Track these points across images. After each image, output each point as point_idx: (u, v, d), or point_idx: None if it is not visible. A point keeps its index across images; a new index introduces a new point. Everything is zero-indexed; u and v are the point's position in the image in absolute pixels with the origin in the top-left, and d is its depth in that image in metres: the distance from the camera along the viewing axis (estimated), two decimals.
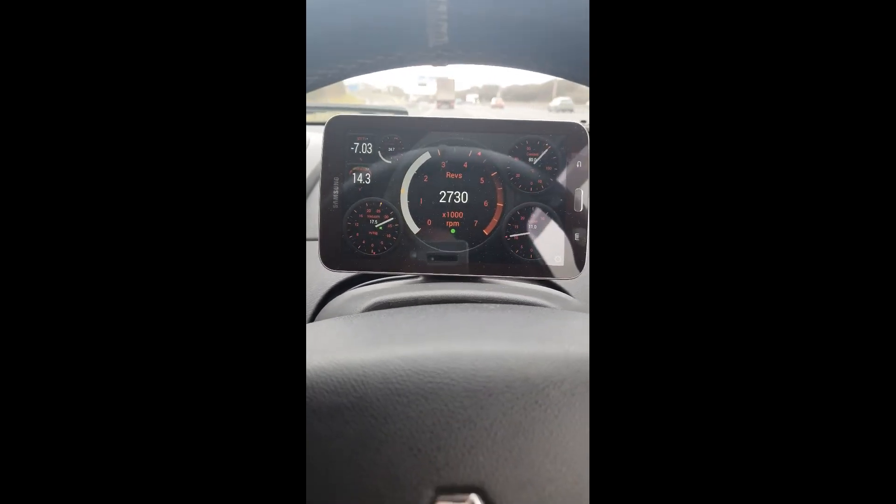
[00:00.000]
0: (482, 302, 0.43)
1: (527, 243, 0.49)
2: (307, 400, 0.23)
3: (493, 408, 0.23)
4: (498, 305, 0.35)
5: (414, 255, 0.49)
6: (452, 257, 0.49)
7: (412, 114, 1.36)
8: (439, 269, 0.49)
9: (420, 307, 0.35)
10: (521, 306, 0.36)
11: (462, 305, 0.35)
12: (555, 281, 0.52)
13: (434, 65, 0.29)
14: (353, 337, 0.29)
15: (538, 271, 0.49)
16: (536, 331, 0.31)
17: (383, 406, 0.23)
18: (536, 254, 0.49)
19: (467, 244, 0.49)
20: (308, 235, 0.67)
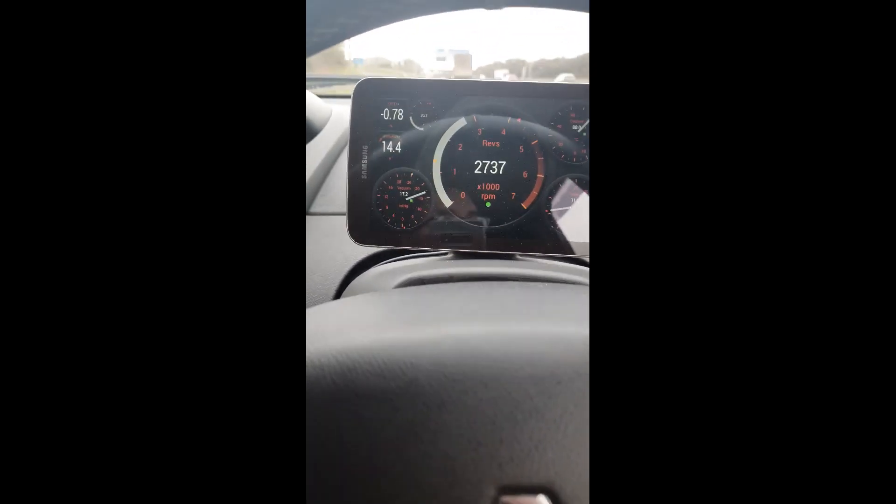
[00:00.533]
0: (526, 280, 0.39)
1: (568, 219, 0.46)
2: (349, 381, 0.20)
3: (562, 397, 0.20)
4: (547, 284, 0.32)
5: (447, 230, 0.46)
6: (499, 220, 0.45)
7: None
8: (476, 242, 0.46)
9: (462, 284, 0.32)
10: (572, 286, 0.32)
11: (507, 283, 0.32)
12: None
13: (488, 7, 0.25)
14: (395, 313, 0.26)
15: (580, 248, 0.46)
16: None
17: (437, 392, 0.20)
18: (578, 231, 0.46)
19: (500, 217, 0.46)
20: (333, 210, 0.64)
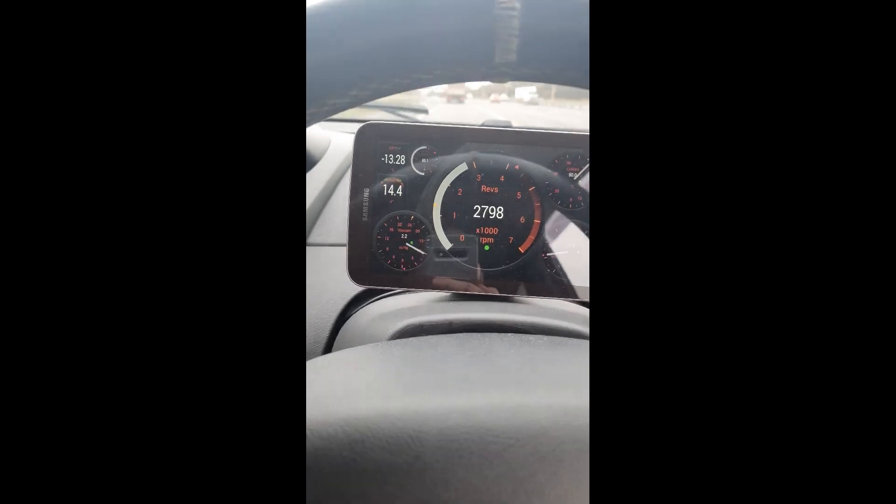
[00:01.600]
0: (522, 329, 0.40)
1: (565, 263, 0.47)
2: (357, 454, 0.21)
3: (565, 475, 0.20)
4: (547, 339, 0.33)
5: (446, 272, 0.47)
6: (497, 264, 0.46)
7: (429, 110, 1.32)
8: (474, 284, 0.47)
9: (461, 337, 0.33)
10: (574, 340, 0.33)
11: (508, 338, 0.33)
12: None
13: (494, 81, 0.26)
14: (397, 375, 0.27)
15: (576, 293, 0.47)
16: (581, 373, 0.28)
17: (443, 469, 0.20)
18: (575, 274, 0.47)
19: (498, 260, 0.47)
20: (331, 241, 0.65)
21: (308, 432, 0.21)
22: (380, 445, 0.21)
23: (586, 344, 0.33)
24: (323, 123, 0.89)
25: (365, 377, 0.27)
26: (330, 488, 0.20)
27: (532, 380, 0.26)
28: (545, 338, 0.33)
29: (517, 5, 0.22)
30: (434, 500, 0.20)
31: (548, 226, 0.47)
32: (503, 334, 0.34)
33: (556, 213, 0.47)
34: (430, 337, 0.35)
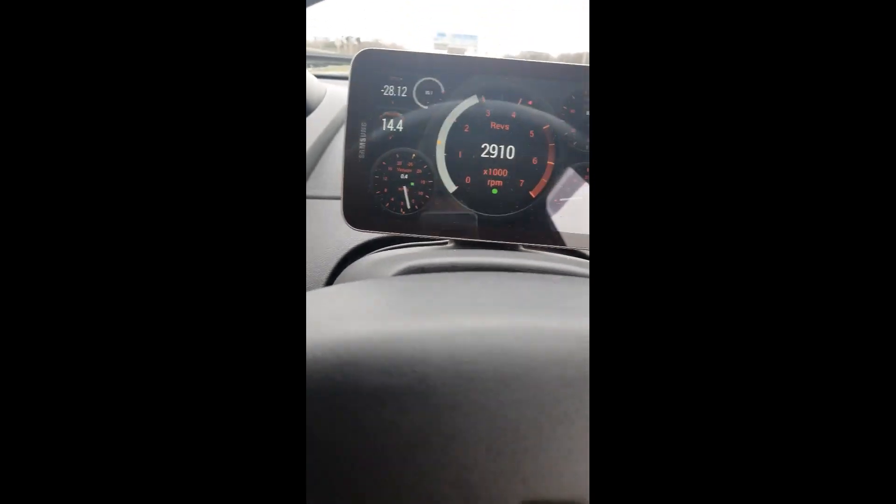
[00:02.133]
0: (536, 271, 0.37)
1: (579, 209, 0.43)
2: (349, 378, 0.17)
3: (585, 405, 0.17)
4: (562, 277, 0.30)
5: (449, 217, 0.43)
6: (505, 208, 0.43)
7: None
8: (479, 232, 0.43)
9: (469, 273, 0.30)
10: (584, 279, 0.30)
11: (519, 274, 0.29)
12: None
13: None
14: (399, 301, 0.24)
15: (590, 243, 0.43)
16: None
17: (452, 392, 0.17)
18: (589, 223, 0.43)
19: (507, 205, 0.43)
20: (326, 193, 0.61)
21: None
22: (377, 367, 0.17)
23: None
24: (320, 76, 0.84)
25: (361, 304, 0.24)
26: (321, 414, 0.17)
27: (551, 306, 0.23)
28: (558, 277, 0.30)
29: None
30: (440, 426, 0.16)
31: (562, 169, 0.43)
32: (514, 273, 0.31)
33: (572, 156, 0.43)
34: (433, 274, 0.31)
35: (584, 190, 0.43)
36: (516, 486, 0.16)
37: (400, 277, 0.29)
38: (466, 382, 0.17)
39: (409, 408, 0.17)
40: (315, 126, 0.68)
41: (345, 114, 0.70)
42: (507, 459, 0.16)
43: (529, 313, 0.21)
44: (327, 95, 0.73)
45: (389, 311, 0.22)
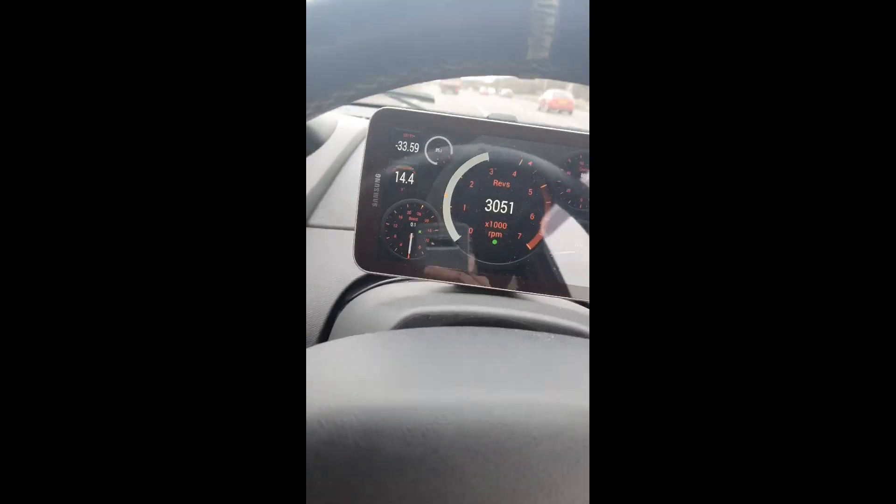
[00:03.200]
0: (527, 325, 0.40)
1: (571, 263, 0.47)
2: (371, 445, 0.21)
3: (581, 475, 0.21)
4: (554, 337, 0.33)
5: (452, 263, 0.47)
6: (504, 258, 0.47)
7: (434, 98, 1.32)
8: (479, 278, 0.47)
9: (468, 331, 0.33)
10: (581, 339, 0.34)
11: (515, 334, 0.33)
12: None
13: (521, 77, 0.26)
14: (410, 367, 0.27)
15: (580, 292, 0.47)
16: (561, 370, 0.28)
17: (459, 464, 0.20)
18: (580, 275, 0.47)
19: (504, 255, 0.47)
20: (333, 223, 0.64)
21: (318, 420, 0.21)
22: (397, 436, 0.21)
23: (564, 342, 0.33)
24: None
25: (376, 366, 0.27)
26: (341, 477, 0.20)
27: (545, 378, 0.26)
28: (552, 336, 0.34)
29: (555, 3, 0.22)
30: (450, 494, 0.20)
31: (556, 225, 0.47)
32: (511, 329, 0.35)
33: (566, 213, 0.47)
34: (438, 328, 0.35)
35: (576, 244, 0.47)
36: None
37: (406, 333, 0.33)
38: (472, 455, 0.21)
39: (422, 477, 0.20)
40: (325, 157, 0.72)
41: (353, 144, 0.73)
42: None
43: (527, 386, 0.25)
44: (337, 128, 0.76)
45: (402, 378, 0.26)
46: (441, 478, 0.20)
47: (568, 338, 0.33)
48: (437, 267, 0.47)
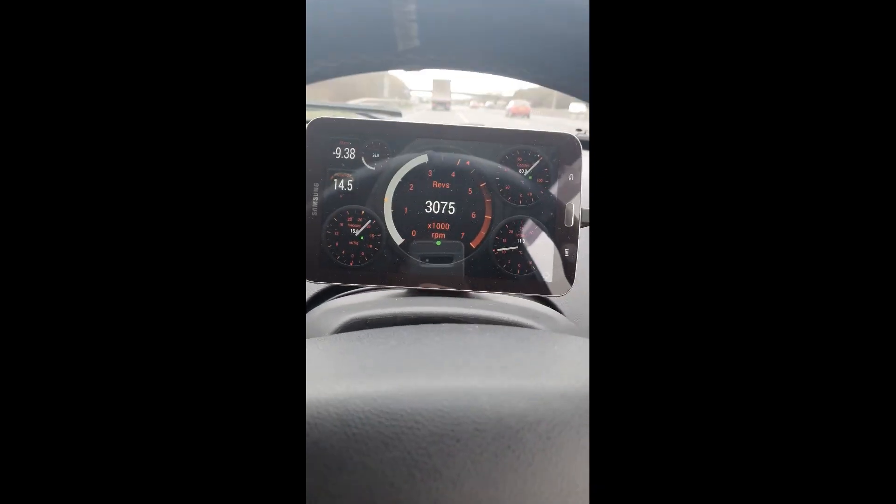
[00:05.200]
0: (464, 321, 0.40)
1: (515, 258, 0.47)
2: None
3: (460, 455, 0.20)
4: (479, 327, 0.33)
5: (397, 267, 0.47)
6: (448, 259, 0.47)
7: (407, 116, 1.33)
8: (425, 280, 0.47)
9: (393, 331, 0.33)
10: (505, 327, 0.33)
11: (440, 328, 0.33)
12: (549, 298, 0.49)
13: (406, 69, 0.26)
14: (314, 368, 0.27)
15: (527, 287, 0.47)
16: (516, 359, 0.28)
17: (339, 454, 0.20)
18: (525, 269, 0.47)
19: (456, 255, 0.47)
20: None
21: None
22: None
23: (517, 331, 0.33)
24: None
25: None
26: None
27: (443, 365, 0.26)
28: (477, 326, 0.33)
29: None
30: (328, 486, 0.20)
31: (499, 221, 0.47)
32: (437, 325, 0.34)
33: (507, 209, 0.47)
34: (363, 332, 0.35)
35: (520, 240, 0.47)
36: None
37: (333, 338, 0.33)
38: (353, 444, 0.20)
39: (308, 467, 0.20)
40: None
41: None
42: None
43: (418, 373, 0.25)
44: None
45: (335, 374, 0.25)
46: (320, 468, 0.20)
47: (497, 327, 0.33)
48: (381, 272, 0.47)
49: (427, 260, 0.47)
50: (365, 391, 0.22)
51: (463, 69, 0.25)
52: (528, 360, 0.29)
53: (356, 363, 0.27)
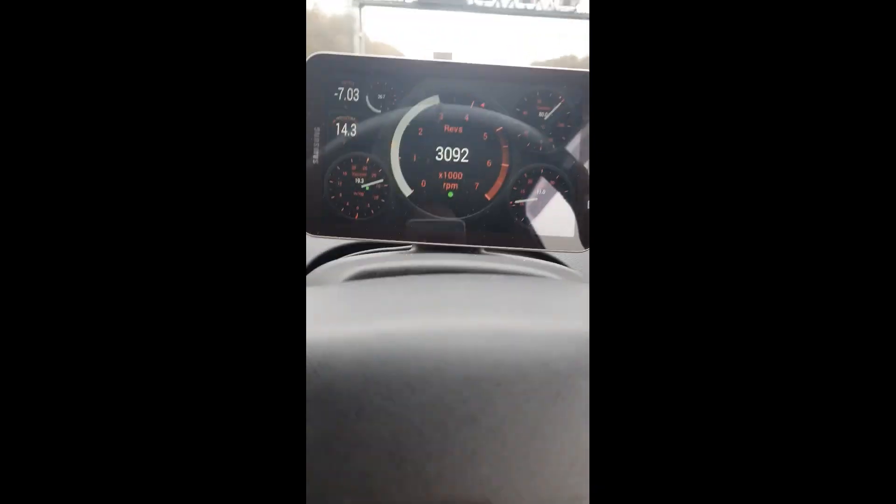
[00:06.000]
0: (481, 273, 0.37)
1: (533, 211, 0.43)
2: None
3: (502, 401, 0.17)
4: (499, 276, 0.30)
5: (405, 221, 0.43)
6: (461, 212, 0.43)
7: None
8: (436, 235, 0.43)
9: (410, 277, 0.29)
10: (526, 277, 0.30)
11: (458, 276, 0.29)
12: (551, 253, 0.46)
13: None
14: (323, 310, 0.23)
15: (544, 243, 0.43)
16: (551, 305, 0.25)
17: (356, 398, 0.17)
18: (543, 224, 0.43)
19: (462, 207, 0.43)
20: None
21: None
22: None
23: (545, 281, 0.29)
24: None
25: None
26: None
27: (471, 305, 0.23)
28: (496, 275, 0.30)
29: None
30: (344, 434, 0.16)
31: (516, 170, 0.43)
32: (453, 274, 0.31)
33: (526, 157, 0.43)
34: (377, 279, 0.31)
35: (538, 191, 0.43)
36: (419, 492, 0.16)
37: (344, 285, 0.29)
38: (372, 387, 0.17)
39: (311, 415, 0.16)
40: None
41: None
42: (410, 466, 0.16)
43: (444, 312, 0.21)
44: None
45: (310, 320, 0.22)
46: (334, 414, 0.16)
47: (514, 276, 0.30)
48: (389, 226, 0.43)
49: (438, 212, 0.43)
50: (385, 328, 0.19)
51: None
52: (563, 305, 0.25)
53: (369, 305, 0.23)
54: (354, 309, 0.23)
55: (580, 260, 0.49)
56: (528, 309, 0.23)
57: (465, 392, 0.17)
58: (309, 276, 0.44)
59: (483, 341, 0.18)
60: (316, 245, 0.50)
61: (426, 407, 0.17)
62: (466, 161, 0.43)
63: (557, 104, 0.43)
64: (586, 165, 0.43)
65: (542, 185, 0.43)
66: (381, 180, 0.43)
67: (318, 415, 0.16)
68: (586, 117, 0.43)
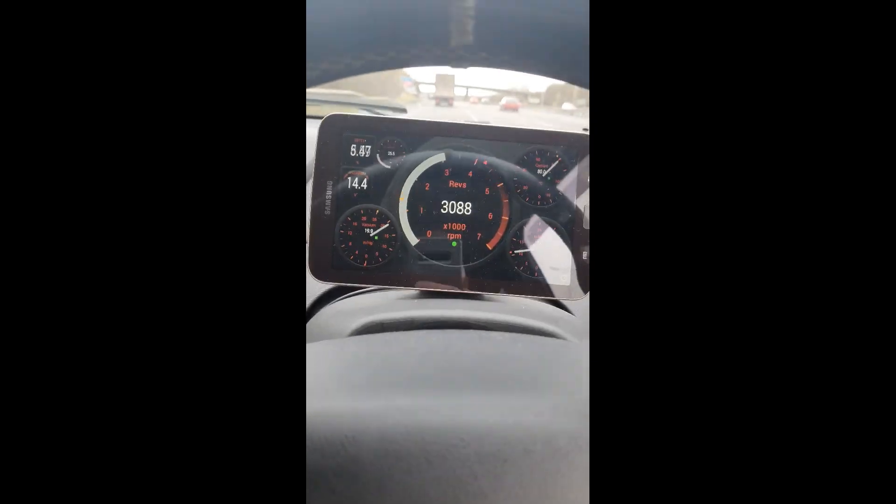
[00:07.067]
0: (485, 327, 0.39)
1: (531, 260, 0.46)
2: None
3: (508, 477, 0.19)
4: (506, 335, 0.32)
5: (412, 268, 0.46)
6: (446, 255, 0.45)
7: (411, 111, 1.32)
8: (440, 281, 0.45)
9: (419, 334, 0.32)
10: (532, 336, 0.32)
11: (466, 335, 0.32)
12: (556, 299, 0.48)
13: (453, 66, 0.25)
14: (344, 374, 0.26)
15: (542, 290, 0.46)
16: (555, 373, 0.27)
17: (378, 472, 0.19)
18: (541, 272, 0.46)
19: (465, 256, 0.46)
20: None
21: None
22: (313, 447, 0.20)
23: (548, 341, 0.32)
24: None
25: (311, 375, 0.26)
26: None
27: (480, 376, 0.25)
28: (502, 334, 0.32)
29: None
30: None
31: (516, 223, 0.46)
32: (464, 331, 0.33)
33: (525, 210, 0.46)
34: (387, 334, 0.34)
35: (537, 241, 0.46)
36: None
37: (355, 339, 0.32)
38: (393, 461, 0.19)
39: (337, 488, 0.19)
40: None
41: (309, 159, 0.71)
42: None
43: (457, 386, 0.24)
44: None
45: (335, 386, 0.24)
46: (359, 487, 0.19)
47: (521, 336, 0.32)
48: (396, 273, 0.46)
49: (442, 261, 0.46)
50: (405, 404, 0.21)
51: (512, 69, 0.24)
52: (569, 375, 0.27)
53: (389, 371, 0.26)
54: (375, 376, 0.25)
55: (582, 306, 0.51)
56: (533, 381, 0.25)
57: (476, 468, 0.19)
58: (310, 323, 0.46)
59: (494, 417, 0.21)
60: (317, 287, 0.52)
61: (441, 481, 0.19)
62: (469, 213, 0.46)
63: (554, 162, 0.46)
64: (582, 217, 0.46)
65: (540, 235, 0.46)
66: (390, 229, 0.46)
67: (345, 487, 0.19)
68: (583, 175, 0.46)
